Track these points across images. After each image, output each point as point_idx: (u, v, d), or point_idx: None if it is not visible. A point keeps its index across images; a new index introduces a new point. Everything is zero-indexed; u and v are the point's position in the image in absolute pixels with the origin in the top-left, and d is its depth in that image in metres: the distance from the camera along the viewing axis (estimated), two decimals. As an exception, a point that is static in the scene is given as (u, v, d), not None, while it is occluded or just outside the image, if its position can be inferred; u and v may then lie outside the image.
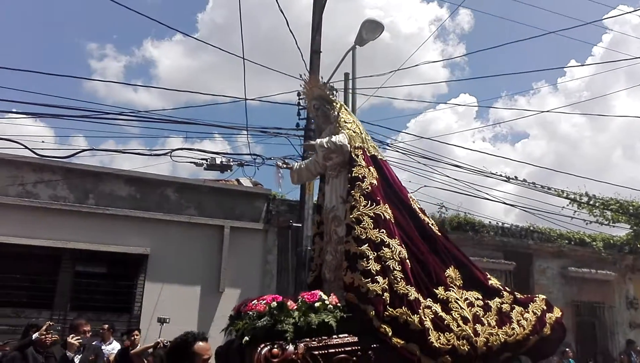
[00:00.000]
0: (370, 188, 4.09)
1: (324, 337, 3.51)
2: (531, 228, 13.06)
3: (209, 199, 10.06)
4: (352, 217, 3.98)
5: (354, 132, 4.39)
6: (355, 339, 3.60)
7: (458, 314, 3.90)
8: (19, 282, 8.55)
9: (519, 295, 4.53)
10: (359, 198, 4.03)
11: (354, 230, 3.93)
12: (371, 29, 9.33)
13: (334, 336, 3.54)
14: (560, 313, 4.62)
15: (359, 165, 4.19)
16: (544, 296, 4.72)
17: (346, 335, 3.59)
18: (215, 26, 32.22)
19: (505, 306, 4.27)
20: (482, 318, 4.03)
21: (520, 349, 4.19)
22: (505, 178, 11.33)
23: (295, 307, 3.57)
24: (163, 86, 47.56)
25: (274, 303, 3.57)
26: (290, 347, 3.37)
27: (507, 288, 4.56)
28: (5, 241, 8.43)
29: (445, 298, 3.99)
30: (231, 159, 9.90)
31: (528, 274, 12.75)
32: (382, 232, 3.94)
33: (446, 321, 3.81)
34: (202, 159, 9.66)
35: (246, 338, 3.45)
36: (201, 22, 35.81)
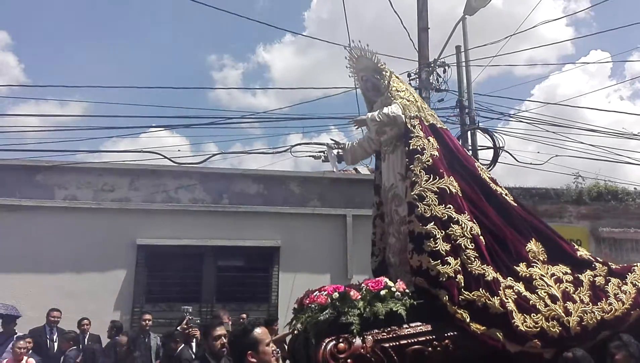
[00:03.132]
0: (431, 160, 3.53)
1: (393, 328, 3.05)
2: (685, 191, 11.06)
3: (330, 190, 9.87)
4: (414, 194, 3.45)
5: (408, 100, 3.80)
6: (429, 327, 3.11)
7: (545, 292, 3.31)
8: (170, 279, 8.94)
9: (614, 266, 3.78)
10: (420, 172, 3.49)
11: (417, 208, 3.40)
12: (480, -4, 8.44)
13: (405, 325, 3.08)
14: None
15: (417, 136, 3.62)
16: None
17: (419, 323, 3.11)
18: (322, 22, 32.17)
19: (599, 280, 3.57)
20: (573, 295, 3.39)
21: (621, 326, 3.44)
22: (649, 138, 9.67)
23: (360, 297, 3.12)
24: (278, 86, 49.00)
25: (336, 294, 3.15)
26: (358, 341, 2.96)
27: (599, 259, 3.83)
28: (155, 243, 8.86)
29: (528, 275, 3.40)
30: (347, 149, 9.62)
31: (685, 243, 10.84)
32: (449, 208, 3.39)
33: (532, 301, 3.24)
34: (319, 152, 9.46)
35: (312, 337, 3.08)
36: (308, 20, 36.06)
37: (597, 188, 10.58)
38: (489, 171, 8.94)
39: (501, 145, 8.78)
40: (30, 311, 7.44)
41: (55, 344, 6.91)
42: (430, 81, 8.85)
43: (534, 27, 9.83)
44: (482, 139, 9.14)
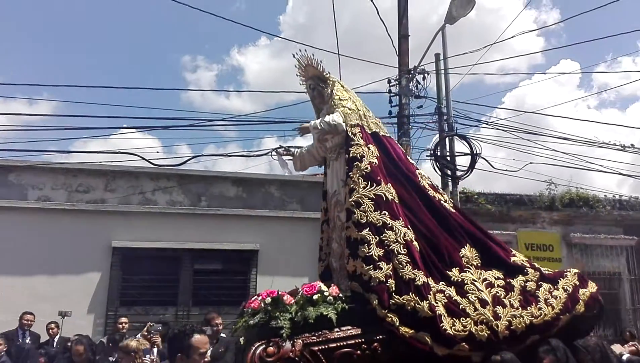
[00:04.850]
0: (369, 167, 3.64)
1: (324, 331, 3.14)
2: (652, 198, 11.47)
3: (309, 194, 9.88)
4: (352, 201, 3.56)
5: (350, 109, 3.91)
6: (359, 331, 3.20)
7: (475, 297, 3.38)
8: (145, 282, 8.88)
9: (547, 271, 3.87)
10: (358, 179, 3.60)
11: (353, 214, 3.52)
12: (462, 5, 8.61)
13: (336, 329, 3.16)
14: (595, 288, 3.88)
15: (357, 144, 3.73)
16: (577, 270, 3.98)
17: (349, 327, 3.20)
18: (297, 26, 32.01)
19: (531, 285, 3.66)
20: (504, 300, 3.46)
21: (550, 331, 3.52)
22: (620, 147, 9.97)
23: (294, 301, 3.23)
24: (253, 89, 48.82)
25: (268, 299, 3.25)
26: (287, 344, 3.04)
27: (534, 265, 3.91)
28: (132, 245, 8.82)
29: (460, 280, 3.48)
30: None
31: (653, 249, 11.24)
32: (384, 214, 3.49)
33: (462, 305, 3.31)
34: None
35: (241, 339, 3.20)
36: (284, 24, 35.77)
37: (569, 194, 10.86)
38: (465, 177, 9.18)
39: (478, 152, 8.94)
40: (1, 314, 7.25)
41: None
42: (410, 87, 8.97)
43: (511, 37, 10.08)
44: (459, 146, 9.28)
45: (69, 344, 5.98)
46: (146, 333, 5.81)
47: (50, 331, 7.12)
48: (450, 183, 8.98)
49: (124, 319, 7.37)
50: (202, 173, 9.86)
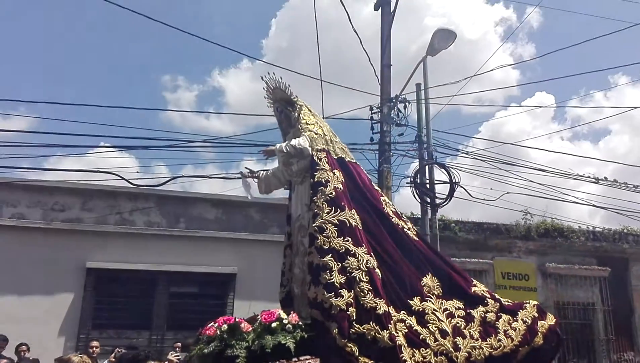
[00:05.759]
0: (334, 193, 3.62)
1: (282, 361, 3.06)
2: (625, 230, 11.77)
3: (290, 218, 9.93)
4: (315, 226, 3.53)
5: (316, 134, 3.92)
6: (318, 361, 3.14)
7: (435, 327, 3.37)
8: (119, 305, 8.75)
9: (506, 303, 3.89)
10: (322, 204, 3.57)
11: (316, 239, 3.47)
12: (443, 38, 8.85)
13: (294, 359, 3.08)
14: (554, 320, 3.92)
15: (322, 169, 3.73)
16: (536, 302, 4.02)
17: (308, 357, 3.13)
18: (280, 50, 32.32)
19: (490, 316, 3.66)
20: (464, 330, 3.46)
21: (509, 362, 3.55)
22: (593, 179, 10.29)
23: (251, 329, 3.17)
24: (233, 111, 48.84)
25: (225, 326, 3.19)
26: None
27: (495, 295, 3.93)
28: (106, 266, 8.67)
29: (421, 309, 3.45)
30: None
31: (625, 280, 11.43)
32: (347, 240, 3.45)
33: (422, 335, 3.30)
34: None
35: None
36: (266, 48, 36.05)
37: (544, 224, 11.09)
38: (445, 205, 9.34)
39: (457, 180, 9.12)
40: (-30, 335, 7.05)
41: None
42: (392, 115, 9.16)
43: (491, 70, 10.39)
44: (438, 174, 9.45)
45: None
46: (114, 360, 5.70)
47: (22, 353, 6.95)
48: (429, 210, 9.13)
49: (95, 343, 7.23)
50: (181, 194, 9.82)
